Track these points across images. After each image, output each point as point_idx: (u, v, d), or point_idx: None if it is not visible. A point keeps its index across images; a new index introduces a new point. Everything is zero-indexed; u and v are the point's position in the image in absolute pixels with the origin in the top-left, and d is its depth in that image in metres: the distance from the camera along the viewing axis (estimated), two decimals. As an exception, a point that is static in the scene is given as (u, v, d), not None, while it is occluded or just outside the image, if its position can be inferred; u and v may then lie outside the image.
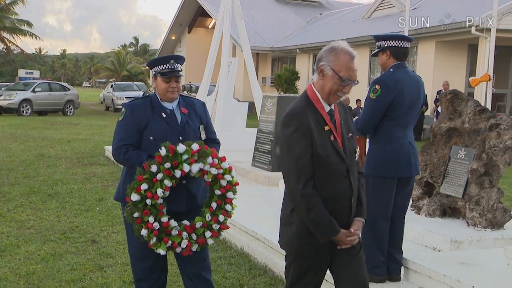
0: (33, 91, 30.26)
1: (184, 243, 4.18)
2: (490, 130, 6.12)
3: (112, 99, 36.28)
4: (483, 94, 15.38)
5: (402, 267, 5.20)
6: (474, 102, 6.40)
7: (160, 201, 4.05)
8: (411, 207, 6.54)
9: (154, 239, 4.07)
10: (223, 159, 4.30)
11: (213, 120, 12.72)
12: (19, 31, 50.39)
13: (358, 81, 3.47)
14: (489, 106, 14.21)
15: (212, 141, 4.58)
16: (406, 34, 13.74)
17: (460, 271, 4.85)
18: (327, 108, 3.46)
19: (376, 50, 5.16)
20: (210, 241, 4.34)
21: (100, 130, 21.72)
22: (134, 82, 45.40)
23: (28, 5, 49.65)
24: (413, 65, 24.17)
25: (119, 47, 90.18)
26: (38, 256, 6.34)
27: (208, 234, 4.28)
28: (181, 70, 4.41)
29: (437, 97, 19.03)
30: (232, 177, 4.32)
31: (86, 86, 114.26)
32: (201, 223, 4.26)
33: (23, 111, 29.28)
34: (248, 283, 5.72)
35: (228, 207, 4.35)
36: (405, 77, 5.00)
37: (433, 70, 22.97)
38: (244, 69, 17.59)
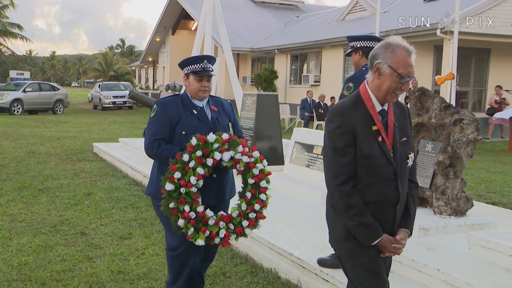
0: (24, 91, 30.06)
1: (222, 233, 4.07)
2: (454, 125, 6.17)
3: (100, 98, 36.10)
4: (448, 92, 15.51)
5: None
6: (440, 99, 6.44)
7: (194, 189, 3.94)
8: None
9: (192, 229, 3.95)
10: (253, 149, 4.20)
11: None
12: (10, 34, 50.07)
13: (415, 78, 3.38)
14: (453, 103, 14.34)
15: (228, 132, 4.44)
16: (377, 35, 13.83)
17: (427, 256, 4.89)
18: (379, 108, 3.10)
19: (349, 50, 5.18)
20: (248, 231, 4.22)
21: (89, 128, 21.59)
22: (121, 82, 45.15)
23: (18, 9, 49.35)
24: (381, 64, 24.23)
25: (106, 49, 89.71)
26: (29, 248, 6.29)
27: (245, 223, 4.19)
28: (213, 70, 4.35)
29: (407, 95, 19.10)
30: (264, 166, 4.22)
31: (75, 86, 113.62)
32: (238, 212, 4.19)
33: (14, 110, 29.11)
34: (230, 271, 5.72)
35: (262, 196, 4.25)
36: (376, 76, 5.02)
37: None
38: (225, 69, 17.59)
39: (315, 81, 28.85)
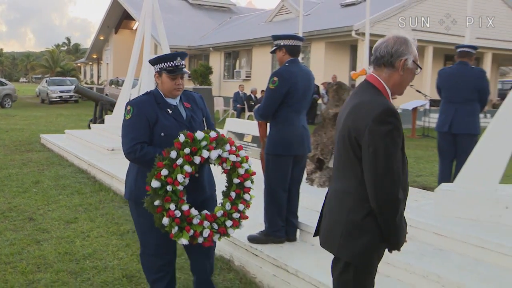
0: (-27, 86, 28.84)
1: (206, 232, 3.69)
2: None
3: (47, 93, 35.05)
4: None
5: (298, 230, 5.27)
6: (355, 91, 6.54)
7: (180, 187, 3.56)
8: (305, 179, 6.62)
9: (176, 228, 3.58)
10: (240, 148, 3.85)
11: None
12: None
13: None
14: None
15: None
16: (301, 35, 13.94)
17: None
18: None
19: (274, 48, 5.18)
20: (231, 231, 3.89)
21: (36, 121, 20.91)
22: (67, 78, 43.90)
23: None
24: (308, 61, 24.60)
25: (53, 47, 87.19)
26: (-21, 233, 6.05)
27: (229, 223, 3.84)
28: (185, 66, 3.91)
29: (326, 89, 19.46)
30: (249, 166, 3.89)
31: (23, 82, 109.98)
32: (222, 211, 3.83)
33: (-37, 104, 27.88)
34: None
35: (246, 196, 3.91)
36: (298, 71, 5.05)
37: (323, 66, 23.49)
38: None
39: (246, 76, 28.95)
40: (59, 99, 34.75)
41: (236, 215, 3.86)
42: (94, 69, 54.00)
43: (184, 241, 3.62)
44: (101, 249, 5.61)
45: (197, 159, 3.58)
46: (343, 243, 2.72)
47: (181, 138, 3.57)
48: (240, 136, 8.67)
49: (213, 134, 3.66)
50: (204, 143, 3.61)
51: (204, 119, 4.03)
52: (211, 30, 37.36)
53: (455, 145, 7.10)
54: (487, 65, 25.15)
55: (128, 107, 3.78)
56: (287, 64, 5.05)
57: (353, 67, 22.94)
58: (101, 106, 15.87)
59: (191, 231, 3.64)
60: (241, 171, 3.82)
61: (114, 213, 7.03)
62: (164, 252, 3.97)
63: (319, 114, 20.01)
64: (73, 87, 29.62)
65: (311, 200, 6.12)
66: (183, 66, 3.85)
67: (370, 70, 2.81)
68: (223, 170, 3.84)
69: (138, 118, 3.72)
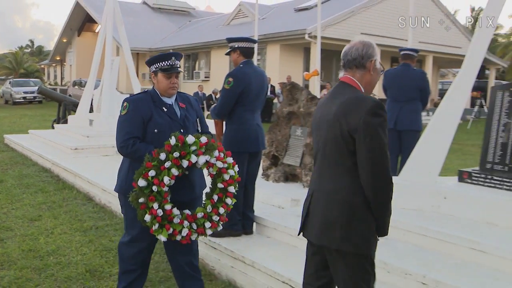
0: None
1: (185, 232, 3.67)
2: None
3: (11, 94, 34.11)
4: (315, 86, 15.98)
5: (254, 223, 5.29)
6: (307, 92, 6.59)
7: (165, 188, 3.54)
8: (261, 175, 6.65)
9: (157, 225, 3.57)
10: (228, 154, 3.81)
11: (99, 110, 12.38)
12: None
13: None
14: (318, 95, 14.77)
15: (206, 134, 3.99)
16: (256, 38, 13.98)
17: (298, 222, 4.89)
18: None
19: (229, 50, 5.17)
20: (209, 232, 3.84)
21: (0, 121, 20.36)
22: (31, 79, 42.88)
23: None
24: (264, 62, 24.69)
25: (16, 49, 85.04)
26: None
27: (207, 225, 3.80)
28: (180, 66, 3.91)
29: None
30: (235, 172, 3.84)
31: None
32: (202, 213, 3.79)
33: None
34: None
35: (228, 200, 3.86)
36: (252, 72, 5.06)
37: (278, 67, 23.63)
38: (126, 66, 17.24)
39: (205, 77, 28.86)
40: (23, 100, 33.86)
41: (215, 217, 3.83)
42: (57, 70, 52.91)
43: (162, 238, 3.61)
44: (65, 246, 5.51)
45: (185, 163, 3.56)
46: (345, 236, 2.69)
47: (172, 141, 3.54)
48: (199, 134, 8.62)
49: (203, 139, 3.64)
50: (193, 147, 3.59)
51: (198, 120, 4.03)
52: (171, 32, 37.10)
53: (400, 141, 7.25)
54: (428, 67, 25.75)
55: (125, 104, 3.79)
56: (241, 65, 5.06)
57: (307, 68, 23.15)
58: (64, 107, 15.56)
59: (171, 229, 3.63)
60: (226, 176, 3.79)
61: (77, 211, 6.91)
62: (144, 247, 3.95)
63: (274, 112, 20.16)
64: (36, 88, 28.97)
65: (266, 194, 6.15)
66: (177, 66, 3.85)
67: (341, 74, 2.86)
68: (208, 174, 3.82)
69: (133, 114, 3.73)
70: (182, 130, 3.77)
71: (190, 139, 3.59)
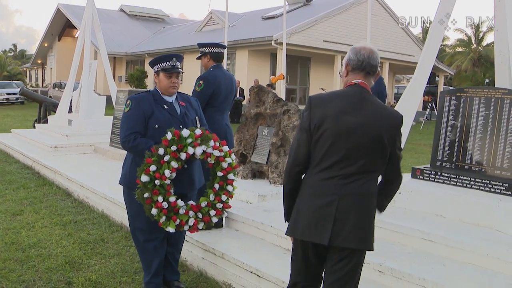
0: None
1: (191, 221, 3.73)
2: (284, 114, 6.35)
3: (-5, 95, 33.43)
4: (281, 89, 16.04)
5: (224, 217, 5.26)
6: (273, 94, 6.60)
7: (167, 181, 3.57)
8: (230, 172, 6.63)
9: (164, 217, 3.61)
10: (223, 143, 3.81)
11: (78, 110, 12.20)
12: None
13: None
14: (284, 97, 14.83)
15: (201, 127, 4.01)
16: (226, 43, 13.95)
17: (264, 216, 4.98)
18: None
19: (200, 54, 5.15)
20: (215, 219, 3.87)
21: (-16, 121, 19.87)
22: (13, 81, 41.86)
23: None
24: (233, 67, 24.65)
25: (0, 52, 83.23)
26: None
27: (212, 212, 3.82)
28: (181, 67, 3.92)
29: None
30: (232, 160, 3.83)
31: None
32: (206, 202, 3.81)
33: None
34: (108, 237, 5.54)
35: (229, 187, 3.88)
36: (222, 75, 5.05)
37: (247, 71, 23.63)
38: (103, 69, 17.06)
39: (178, 80, 28.67)
40: (5, 101, 33.06)
41: (219, 205, 3.86)
42: (39, 73, 51.94)
43: (170, 229, 3.65)
44: (45, 239, 5.40)
45: (183, 155, 3.60)
46: (372, 236, 2.69)
47: (168, 136, 3.58)
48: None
49: (198, 131, 3.68)
50: (189, 140, 3.62)
51: (197, 118, 4.04)
52: (146, 38, 36.76)
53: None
54: (385, 72, 26.09)
55: (128, 102, 3.81)
56: (211, 69, 5.05)
57: (273, 72, 23.21)
58: (45, 107, 15.29)
59: (178, 220, 3.67)
60: (224, 164, 3.82)
61: (57, 205, 6.79)
62: (150, 235, 3.96)
63: (243, 114, 20.18)
64: (19, 89, 28.36)
65: (236, 191, 6.11)
66: (178, 66, 3.86)
67: (355, 77, 2.68)
68: (208, 165, 3.82)
69: (135, 111, 3.75)
70: (181, 126, 3.79)
71: (185, 132, 3.63)
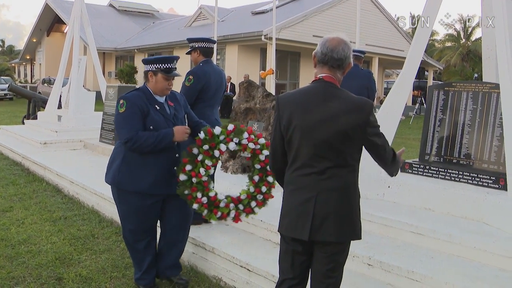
0: None
1: (233, 213, 3.84)
2: (273, 109, 6.35)
3: (-18, 91, 33.10)
4: (271, 84, 16.05)
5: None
6: (262, 89, 6.60)
7: (204, 178, 3.64)
8: (220, 167, 6.63)
9: (205, 211, 3.72)
10: (259, 136, 3.85)
11: (67, 106, 12.14)
12: None
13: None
14: (274, 92, 14.85)
15: (199, 123, 4.02)
16: (215, 38, 13.92)
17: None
18: None
19: (189, 49, 5.14)
20: (257, 210, 3.94)
21: (-29, 117, 19.69)
22: (1, 77, 41.50)
23: None
24: (223, 62, 24.62)
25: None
26: None
27: (253, 204, 3.89)
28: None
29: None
30: None
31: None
32: (246, 195, 3.87)
33: None
34: (98, 232, 5.53)
35: (269, 178, 3.88)
36: (211, 70, 5.05)
37: (237, 66, 23.60)
38: (93, 65, 16.97)
39: (168, 76, 28.56)
40: (-6, 97, 32.85)
41: (259, 196, 3.90)
42: (27, 69, 51.52)
43: (213, 221, 3.80)
44: (35, 235, 5.38)
45: (216, 153, 3.69)
46: (359, 227, 2.72)
47: (201, 135, 3.66)
48: (163, 129, 8.55)
49: (230, 127, 3.75)
50: (222, 137, 3.70)
51: (185, 115, 4.02)
52: (136, 33, 36.54)
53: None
54: (375, 67, 26.15)
55: (121, 101, 3.70)
56: (201, 64, 5.04)
57: (263, 67, 23.17)
58: (34, 103, 15.22)
59: (219, 213, 3.78)
60: (262, 157, 3.85)
61: (47, 202, 6.77)
62: (140, 236, 3.96)
63: (233, 109, 20.14)
64: (7, 85, 28.13)
65: (225, 185, 6.12)
66: (176, 68, 3.83)
67: (318, 70, 2.67)
68: (246, 158, 3.89)
69: (132, 111, 3.66)
70: (187, 125, 3.86)
71: (217, 130, 3.71)
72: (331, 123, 2.57)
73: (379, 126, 2.67)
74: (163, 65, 3.74)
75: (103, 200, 6.33)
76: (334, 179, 2.62)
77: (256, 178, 3.92)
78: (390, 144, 5.04)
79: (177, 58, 3.87)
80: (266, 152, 3.83)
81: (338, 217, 2.61)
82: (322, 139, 2.58)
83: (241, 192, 3.92)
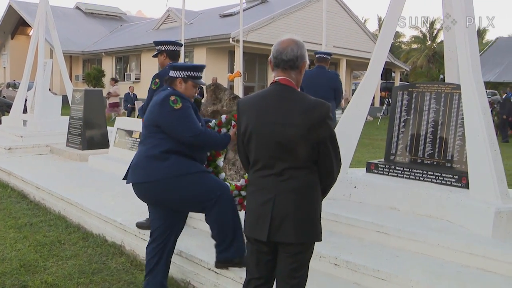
0: None
1: (236, 200, 3.99)
2: (242, 111, 6.36)
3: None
4: (239, 86, 16.08)
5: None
6: (229, 92, 6.60)
7: (210, 169, 4.05)
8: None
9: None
10: None
11: (33, 111, 11.93)
12: None
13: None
14: (241, 95, 14.89)
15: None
16: (183, 41, 13.87)
17: None
18: None
19: (156, 52, 5.11)
20: None
21: None
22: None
23: None
24: (192, 65, 24.55)
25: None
26: None
27: None
28: None
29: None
30: None
31: None
32: (244, 180, 4.01)
33: None
34: (65, 238, 5.44)
35: None
36: (178, 73, 5.01)
37: (205, 69, 23.51)
38: (59, 68, 16.71)
39: (136, 79, 28.34)
40: (-44, 102, 32.04)
41: None
42: (-9, 72, 50.38)
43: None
44: (-1, 243, 5.27)
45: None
46: (319, 228, 2.70)
47: (212, 124, 4.07)
48: (129, 133, 8.47)
49: (223, 118, 4.10)
50: (216, 128, 4.10)
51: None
52: (103, 36, 36.13)
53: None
54: (342, 69, 26.47)
55: (173, 98, 3.71)
56: (167, 67, 5.00)
57: (231, 69, 23.21)
58: (-2, 108, 14.92)
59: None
60: None
61: (12, 208, 6.63)
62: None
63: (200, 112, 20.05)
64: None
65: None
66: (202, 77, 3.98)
67: (275, 74, 2.69)
68: None
69: (187, 105, 3.73)
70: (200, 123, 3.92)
71: (212, 122, 4.08)
72: (285, 125, 2.58)
73: (334, 133, 2.66)
74: (194, 73, 3.87)
75: (70, 205, 6.23)
76: (292, 181, 2.63)
77: None
78: (356, 144, 5.15)
79: (204, 66, 4.02)
80: None
81: (296, 218, 2.62)
82: (277, 141, 2.60)
83: (244, 176, 4.02)
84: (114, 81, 22.08)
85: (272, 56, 2.71)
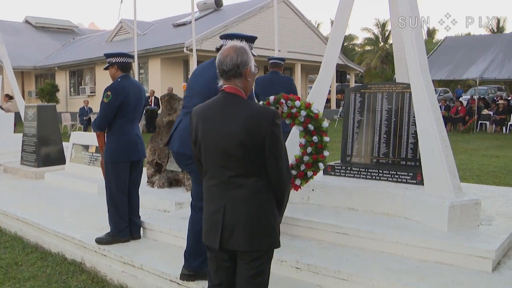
0: None
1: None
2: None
3: None
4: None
5: (141, 228, 5.15)
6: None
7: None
8: (146, 183, 6.53)
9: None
10: (297, 98, 4.05)
11: (-17, 129, 11.54)
12: None
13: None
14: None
15: None
16: (136, 53, 13.73)
17: (181, 224, 4.79)
18: None
19: (107, 65, 5.03)
20: (310, 173, 4.12)
21: None
22: None
23: None
24: (146, 76, 24.34)
25: None
26: None
27: (302, 167, 4.10)
28: None
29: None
30: (312, 110, 4.04)
31: None
32: (294, 159, 4.11)
33: None
34: (22, 260, 5.26)
35: (314, 138, 4.06)
36: (130, 85, 4.95)
37: (160, 79, 23.40)
38: (9, 85, 16.23)
39: (91, 92, 27.84)
40: None
41: (306, 158, 4.09)
42: None
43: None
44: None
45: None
46: (274, 235, 2.65)
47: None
48: (85, 147, 8.30)
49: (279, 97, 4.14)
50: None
51: None
52: (55, 50, 35.34)
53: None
54: (297, 73, 26.70)
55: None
56: (119, 79, 4.94)
57: (186, 79, 23.08)
58: None
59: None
60: (301, 118, 4.06)
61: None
62: None
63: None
64: None
65: (152, 200, 6.05)
66: None
67: (220, 83, 2.67)
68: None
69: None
70: None
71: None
72: (229, 133, 2.56)
73: (279, 139, 2.60)
74: None
75: (26, 225, 6.04)
76: (241, 189, 2.60)
77: (302, 140, 4.09)
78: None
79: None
80: (303, 112, 4.00)
81: (248, 227, 2.58)
82: (222, 149, 2.58)
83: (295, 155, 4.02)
84: (9, 97, 19.76)
85: (215, 65, 2.70)
